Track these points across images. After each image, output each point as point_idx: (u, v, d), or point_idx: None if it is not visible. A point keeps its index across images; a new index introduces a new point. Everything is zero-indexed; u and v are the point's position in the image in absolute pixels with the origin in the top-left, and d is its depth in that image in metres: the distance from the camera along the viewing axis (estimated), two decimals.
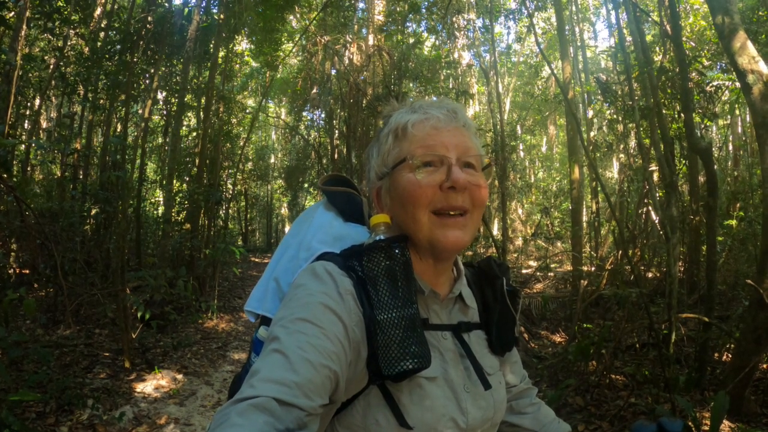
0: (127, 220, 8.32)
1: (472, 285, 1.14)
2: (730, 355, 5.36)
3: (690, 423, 3.71)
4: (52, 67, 9.28)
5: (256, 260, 17.97)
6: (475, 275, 1.17)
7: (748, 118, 13.08)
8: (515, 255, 16.49)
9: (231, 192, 14.01)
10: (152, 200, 13.64)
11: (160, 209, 12.01)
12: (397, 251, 0.92)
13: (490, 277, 1.15)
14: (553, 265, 13.55)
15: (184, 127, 11.93)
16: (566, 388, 5.07)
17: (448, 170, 0.95)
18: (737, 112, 12.00)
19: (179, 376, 5.86)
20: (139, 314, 6.15)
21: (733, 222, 7.33)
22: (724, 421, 3.57)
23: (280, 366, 0.75)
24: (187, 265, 9.16)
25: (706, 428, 3.74)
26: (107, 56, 9.38)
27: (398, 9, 13.45)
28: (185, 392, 5.45)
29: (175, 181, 10.77)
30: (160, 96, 11.25)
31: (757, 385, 4.58)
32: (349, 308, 0.87)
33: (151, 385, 5.44)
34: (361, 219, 1.11)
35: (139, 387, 5.34)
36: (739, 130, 13.65)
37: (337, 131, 16.24)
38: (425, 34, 14.90)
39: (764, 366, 4.70)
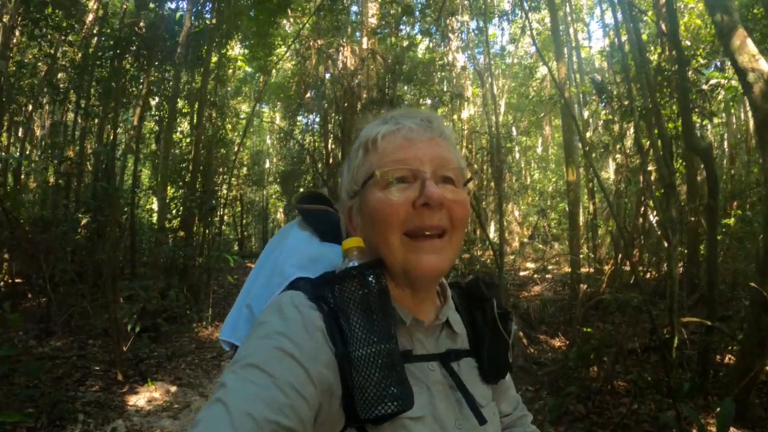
0: (122, 229, 8.24)
1: (459, 308, 1.04)
2: (732, 358, 5.31)
3: (695, 430, 3.65)
4: (43, 74, 9.21)
5: (252, 266, 17.64)
6: (462, 297, 1.07)
7: (743, 117, 13.10)
8: (512, 257, 16.42)
9: (226, 198, 13.91)
10: (147, 207, 13.56)
11: (155, 216, 11.93)
12: (371, 279, 0.82)
13: (479, 299, 1.05)
14: (550, 267, 13.52)
15: (177, 133, 11.82)
16: (567, 396, 5.00)
17: (422, 185, 0.85)
18: (732, 110, 11.99)
19: (173, 388, 5.75)
20: (129, 327, 6.04)
21: (731, 221, 7.29)
22: (730, 428, 3.49)
23: (220, 421, 0.67)
24: (180, 274, 9.06)
25: None
26: (99, 63, 9.29)
27: (392, 12, 13.40)
28: (179, 404, 5.36)
29: (169, 188, 10.69)
30: (153, 102, 11.14)
31: (762, 388, 4.51)
32: (316, 348, 0.78)
33: (144, 397, 5.34)
34: (339, 237, 1.00)
35: (132, 400, 5.24)
36: (734, 128, 13.66)
37: (331, 135, 16.17)
38: (419, 37, 14.86)
39: None
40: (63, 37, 9.10)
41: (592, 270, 10.17)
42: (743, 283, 6.74)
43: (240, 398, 0.69)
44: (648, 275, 8.63)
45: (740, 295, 6.96)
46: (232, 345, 0.98)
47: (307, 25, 12.97)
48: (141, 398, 5.32)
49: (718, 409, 3.49)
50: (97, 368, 5.89)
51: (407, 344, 0.89)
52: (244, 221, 23.49)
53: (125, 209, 8.91)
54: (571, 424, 4.73)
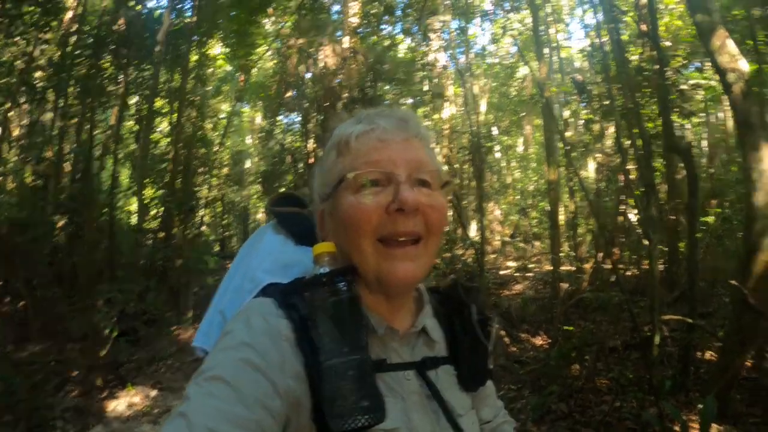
0: (100, 231, 8.11)
1: (438, 314, 1.01)
2: (713, 355, 5.38)
3: (677, 428, 3.68)
4: (20, 73, 9.02)
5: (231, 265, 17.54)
6: (441, 302, 1.04)
7: (722, 116, 13.33)
8: (494, 256, 16.50)
9: (206, 198, 13.78)
10: (126, 209, 13.40)
11: (134, 218, 11.79)
12: (342, 286, 0.79)
13: (458, 305, 1.02)
14: (531, 266, 13.59)
15: (156, 133, 11.69)
16: (549, 395, 5.03)
17: (396, 189, 0.82)
18: (712, 110, 12.17)
19: (153, 393, 5.68)
20: (107, 331, 5.94)
21: (711, 219, 7.39)
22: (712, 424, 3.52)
23: None
24: (160, 276, 8.95)
25: (693, 430, 3.73)
26: (77, 61, 9.13)
27: (373, 11, 13.39)
28: (159, 409, 5.30)
29: (148, 189, 10.55)
30: (132, 101, 11.00)
31: (743, 384, 4.57)
32: (282, 358, 0.75)
33: (124, 402, 5.28)
34: (315, 241, 0.95)
35: (112, 405, 5.17)
36: (714, 127, 13.89)
37: (312, 135, 16.10)
38: (400, 36, 14.88)
39: (749, 364, 4.69)
40: (41, 35, 8.94)
41: (572, 268, 10.24)
42: (723, 281, 6.85)
43: (202, 413, 0.67)
44: (628, 273, 8.71)
45: (720, 293, 7.06)
46: (206, 352, 0.96)
47: (287, 23, 12.89)
48: (121, 403, 5.25)
49: (700, 406, 3.53)
50: (76, 373, 5.79)
51: (381, 353, 0.86)
52: (225, 221, 23.32)
53: (103, 210, 8.76)
54: (554, 422, 4.74)
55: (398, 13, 12.81)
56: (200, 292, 11.33)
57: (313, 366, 0.76)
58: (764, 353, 4.89)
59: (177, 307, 9.12)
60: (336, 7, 14.91)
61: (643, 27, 6.54)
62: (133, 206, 12.57)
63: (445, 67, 17.81)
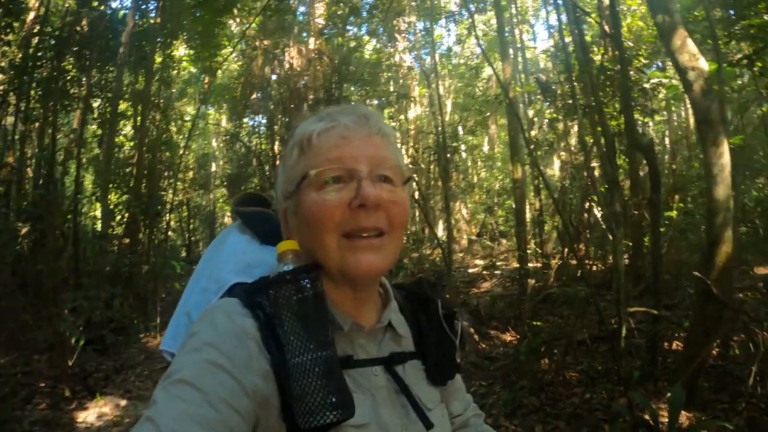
0: (64, 237, 7.89)
1: (404, 310, 1.01)
2: (679, 345, 5.53)
3: (647, 416, 3.77)
4: None
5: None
6: (406, 298, 1.04)
7: (683, 114, 13.73)
8: (461, 255, 16.61)
9: (172, 202, 13.54)
10: (90, 214, 13.08)
11: (99, 224, 11.52)
12: (306, 283, 0.79)
13: (424, 300, 1.03)
14: (499, 264, 13.70)
15: (120, 137, 11.45)
16: (520, 390, 5.09)
17: (358, 185, 0.82)
18: (673, 108, 12.51)
19: (123, 402, 5.56)
20: (72, 340, 5.77)
21: (673, 214, 7.60)
22: (680, 412, 3.63)
23: None
24: (126, 282, 8.75)
25: (663, 419, 3.82)
26: (39, 63, 8.87)
27: (339, 12, 13.37)
28: (130, 419, 5.18)
29: (112, 194, 10.32)
30: (95, 104, 10.73)
31: (709, 373, 4.71)
32: (249, 358, 0.75)
33: (94, 413, 5.15)
34: (280, 240, 0.94)
35: (81, 416, 5.04)
36: (675, 125, 14.29)
37: (278, 137, 15.99)
38: (366, 37, 14.89)
39: (714, 353, 4.84)
40: (2, 36, 8.65)
41: (539, 265, 10.38)
42: (687, 273, 7.05)
43: (170, 417, 0.66)
44: (594, 268, 8.88)
45: (684, 285, 7.24)
46: (173, 355, 0.92)
47: (253, 25, 12.75)
48: (90, 414, 5.12)
49: (669, 395, 3.62)
50: (44, 385, 5.63)
51: (348, 350, 0.86)
52: (191, 226, 22.93)
53: (67, 217, 8.53)
54: (525, 417, 4.79)
55: (364, 14, 12.81)
56: (168, 298, 11.14)
57: (279, 364, 0.75)
58: (729, 342, 5.06)
59: (144, 314, 8.94)
60: (302, 9, 14.88)
61: (606, 28, 6.70)
62: (98, 212, 12.29)
63: (410, 68, 17.92)
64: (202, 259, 1.05)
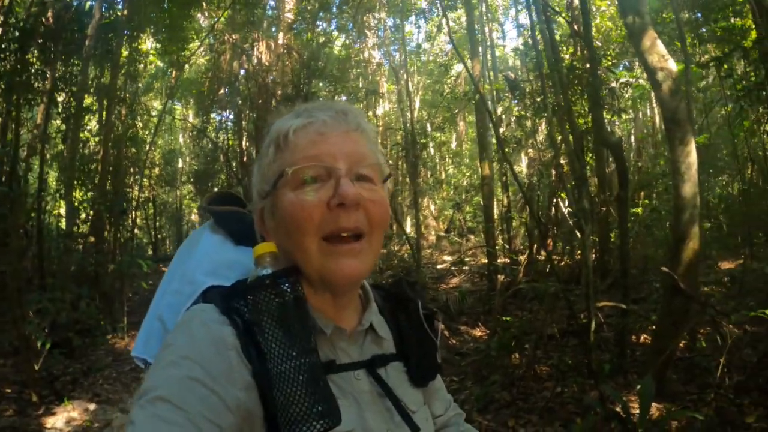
0: (28, 236, 7.64)
1: (383, 311, 0.99)
2: (647, 338, 5.68)
3: (618, 408, 3.85)
4: None
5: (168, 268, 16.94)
6: (385, 299, 1.02)
7: (649, 113, 14.08)
8: (429, 251, 16.72)
9: (137, 199, 13.28)
10: (55, 212, 12.73)
11: (64, 222, 11.22)
12: (286, 287, 0.77)
13: (403, 300, 1.01)
14: (467, 260, 13.83)
15: (85, 132, 11.15)
16: (492, 385, 5.14)
17: (336, 183, 0.80)
18: (639, 107, 12.81)
19: (92, 406, 5.42)
20: (38, 343, 5.59)
21: (639, 210, 7.79)
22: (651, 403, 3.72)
23: None
24: (92, 282, 8.53)
25: (634, 410, 3.91)
26: (2, 56, 8.55)
27: (309, 7, 13.29)
28: (99, 423, 5.06)
29: (77, 191, 10.06)
30: (60, 98, 10.43)
31: (677, 365, 4.84)
32: (230, 369, 0.72)
33: (62, 418, 5.01)
34: (254, 240, 0.92)
35: (50, 422, 4.90)
36: (641, 123, 14.64)
37: (246, 133, 15.83)
38: (335, 33, 14.84)
39: (682, 345, 4.98)
40: None
41: (507, 261, 10.51)
42: (653, 268, 7.25)
43: None
44: (562, 263, 9.04)
45: (650, 279, 7.45)
46: (145, 362, 0.91)
47: (222, 18, 12.56)
48: (59, 419, 4.97)
49: (639, 387, 3.71)
50: (9, 390, 5.44)
51: (330, 354, 0.84)
52: (158, 223, 22.49)
53: (31, 215, 8.26)
54: (498, 411, 4.84)
55: (334, 9, 12.74)
56: (135, 298, 10.92)
57: (261, 373, 0.72)
58: (696, 334, 5.21)
59: (111, 315, 8.73)
60: (271, 3, 14.74)
61: (576, 27, 6.81)
62: (62, 210, 11.96)
63: (379, 65, 17.94)
64: (174, 260, 1.01)
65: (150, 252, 19.67)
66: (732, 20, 6.87)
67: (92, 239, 9.34)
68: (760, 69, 6.46)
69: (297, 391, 0.70)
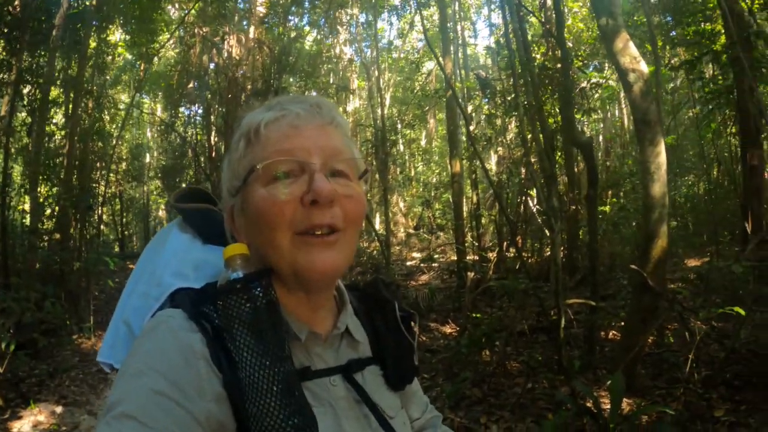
0: None
1: (359, 312, 0.95)
2: (616, 334, 5.79)
3: (590, 404, 3.93)
4: None
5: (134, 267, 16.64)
6: (361, 301, 0.98)
7: (617, 114, 14.36)
8: (399, 248, 16.75)
9: (104, 195, 12.99)
10: (20, 208, 12.38)
11: (28, 218, 10.91)
12: (258, 291, 0.73)
13: (379, 301, 0.97)
14: (436, 256, 13.91)
15: (51, 125, 10.85)
16: (463, 381, 5.16)
17: (310, 179, 0.76)
18: (608, 107, 13.05)
19: (59, 409, 5.29)
20: (3, 344, 5.42)
21: (607, 208, 7.95)
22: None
23: None
24: (57, 281, 8.30)
25: (604, 406, 3.99)
26: None
27: (281, 1, 13.16)
28: (67, 426, 4.94)
29: (42, 186, 9.77)
30: (25, 90, 10.11)
31: (646, 360, 4.95)
32: (199, 380, 0.67)
33: (29, 422, 4.88)
34: (224, 239, 0.89)
35: (16, 426, 4.77)
36: (610, 123, 14.93)
37: (214, 128, 15.63)
38: (307, 28, 14.74)
39: (650, 341, 5.10)
40: None
41: (477, 258, 10.59)
42: (620, 265, 7.43)
43: None
44: (531, 260, 9.16)
45: (618, 276, 7.62)
46: (112, 366, 0.88)
47: (192, 11, 12.33)
48: (25, 423, 4.84)
49: (609, 383, 3.78)
50: None
51: (304, 360, 0.80)
52: (125, 220, 22.06)
53: None
54: (470, 408, 4.84)
55: (306, 4, 12.64)
56: (101, 297, 10.69)
57: (232, 383, 0.68)
58: (664, 330, 5.35)
59: (77, 314, 8.52)
60: None
61: (548, 27, 6.90)
62: (27, 205, 11.62)
63: (350, 61, 17.90)
64: (140, 259, 0.97)
65: (117, 249, 19.31)
66: (702, 25, 7.04)
67: (57, 236, 9.10)
68: (729, 73, 6.65)
69: (271, 402, 0.67)
